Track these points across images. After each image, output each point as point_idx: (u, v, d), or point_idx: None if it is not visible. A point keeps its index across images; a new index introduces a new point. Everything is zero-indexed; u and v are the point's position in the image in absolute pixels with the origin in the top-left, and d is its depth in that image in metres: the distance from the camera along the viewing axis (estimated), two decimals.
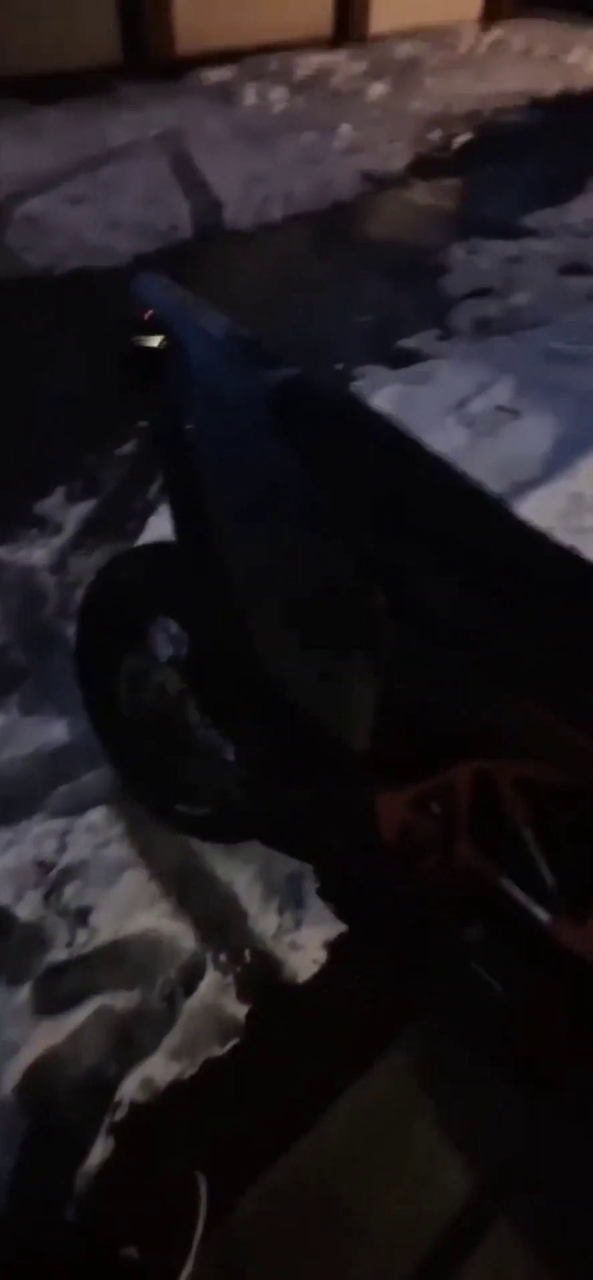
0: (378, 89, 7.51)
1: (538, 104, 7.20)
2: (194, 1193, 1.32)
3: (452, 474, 1.25)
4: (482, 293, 4.12)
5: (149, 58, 7.23)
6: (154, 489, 2.78)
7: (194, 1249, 1.28)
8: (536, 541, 1.17)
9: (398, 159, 5.94)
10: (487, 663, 1.02)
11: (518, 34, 9.64)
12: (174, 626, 1.62)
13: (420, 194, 5.40)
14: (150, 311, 1.49)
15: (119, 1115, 1.44)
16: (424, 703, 1.10)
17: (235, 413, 1.33)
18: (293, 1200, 1.34)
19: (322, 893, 1.50)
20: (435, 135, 6.42)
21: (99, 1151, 1.40)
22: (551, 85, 7.73)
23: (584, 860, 1.05)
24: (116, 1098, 1.45)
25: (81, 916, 1.67)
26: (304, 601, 1.23)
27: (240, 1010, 1.55)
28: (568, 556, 1.13)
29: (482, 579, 1.07)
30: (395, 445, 1.31)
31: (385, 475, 1.24)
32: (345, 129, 6.46)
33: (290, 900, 1.70)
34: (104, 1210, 1.33)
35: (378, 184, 5.55)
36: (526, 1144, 1.36)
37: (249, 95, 7.03)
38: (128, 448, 2.99)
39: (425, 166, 5.77)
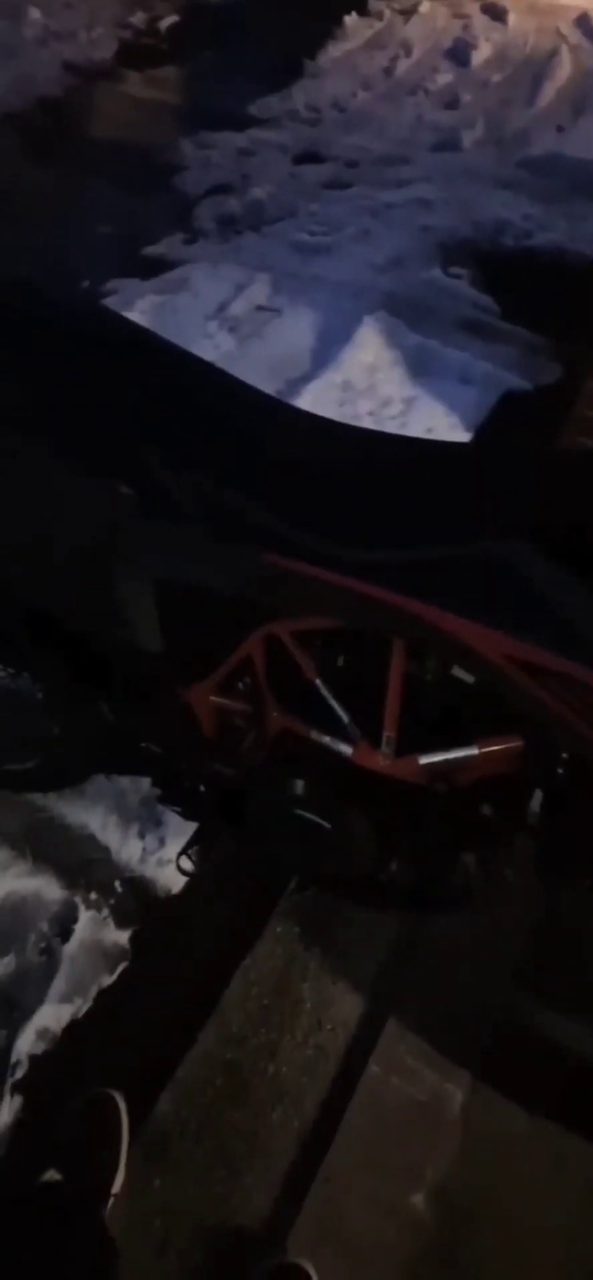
0: None
1: None
2: (114, 1110, 1.46)
3: (177, 353, 1.40)
4: (220, 189, 4.26)
5: None
6: None
7: (123, 1159, 1.43)
8: (269, 408, 1.38)
9: (103, 47, 5.80)
10: (238, 533, 1.20)
11: None
12: None
13: (135, 86, 5.36)
14: None
15: (19, 1074, 1.53)
16: (198, 587, 1.26)
17: None
18: (205, 1083, 1.52)
19: (163, 800, 1.64)
20: (139, 18, 6.32)
21: (5, 1112, 1.49)
22: None
23: (365, 689, 1.27)
24: (13, 1059, 1.54)
25: None
26: (56, 518, 1.32)
27: (122, 936, 1.69)
28: (300, 417, 1.35)
29: (218, 454, 1.25)
30: (111, 332, 1.43)
31: (104, 366, 1.34)
32: (35, 14, 6.15)
33: (150, 822, 1.84)
34: (23, 1157, 1.43)
35: (86, 77, 5.41)
36: (400, 950, 1.65)
37: None
38: None
39: (135, 54, 5.70)
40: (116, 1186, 1.40)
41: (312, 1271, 1.30)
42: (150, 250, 3.78)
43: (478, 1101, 1.45)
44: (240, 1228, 1.38)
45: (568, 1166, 1.39)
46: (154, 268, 3.63)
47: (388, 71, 5.59)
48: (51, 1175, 1.38)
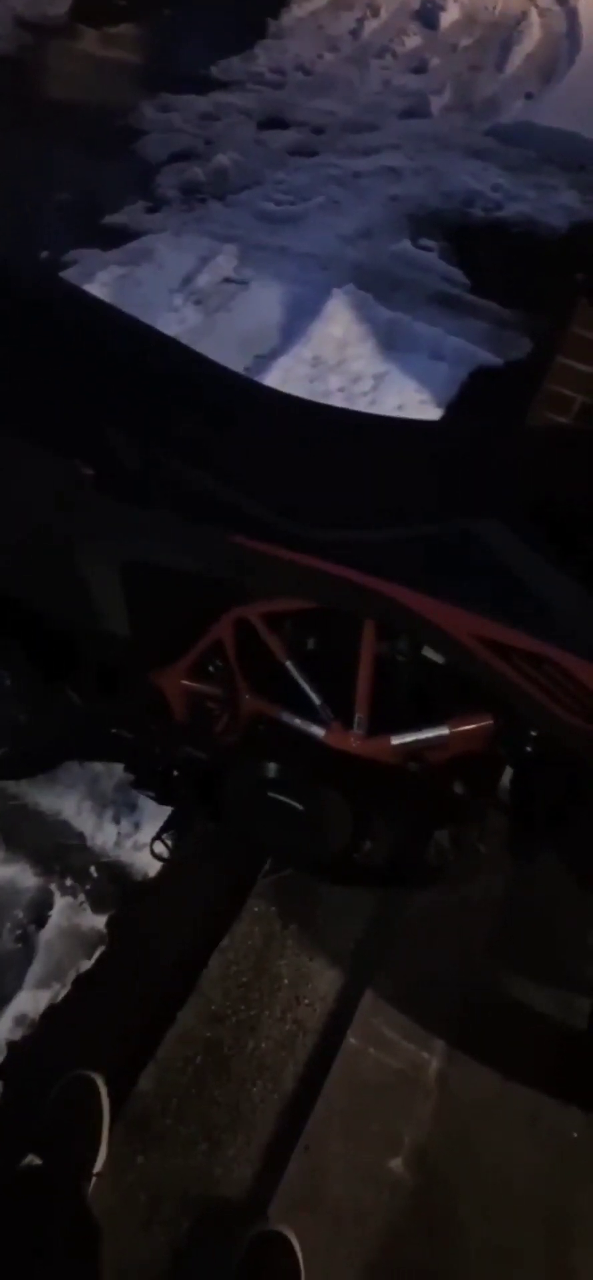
0: None
1: None
2: (94, 1092, 1.52)
3: (140, 329, 1.42)
4: (183, 155, 4.27)
5: None
6: None
7: (104, 1139, 1.49)
8: (235, 385, 1.41)
9: (57, 2, 5.73)
10: (204, 513, 1.23)
11: None
12: None
13: (93, 44, 5.33)
14: None
15: None
16: (167, 570, 1.29)
17: None
18: (185, 1061, 1.59)
19: (136, 785, 1.68)
20: None
21: None
22: None
23: (336, 670, 1.32)
24: None
25: None
26: (17, 499, 1.34)
27: (99, 920, 1.75)
28: (267, 394, 1.38)
29: (183, 433, 1.27)
30: (71, 307, 1.44)
31: (64, 342, 1.36)
32: None
33: (124, 807, 1.90)
34: (3, 1144, 1.49)
35: (39, 33, 5.36)
36: (375, 925, 1.74)
37: None
38: None
39: (92, 10, 5.64)
40: (98, 1166, 1.46)
41: (292, 1238, 1.38)
42: (111, 219, 3.79)
43: (453, 1068, 1.54)
44: (224, 1198, 1.45)
45: (541, 1124, 1.48)
46: (116, 238, 3.64)
47: (355, 33, 5.62)
48: (32, 1160, 1.43)
